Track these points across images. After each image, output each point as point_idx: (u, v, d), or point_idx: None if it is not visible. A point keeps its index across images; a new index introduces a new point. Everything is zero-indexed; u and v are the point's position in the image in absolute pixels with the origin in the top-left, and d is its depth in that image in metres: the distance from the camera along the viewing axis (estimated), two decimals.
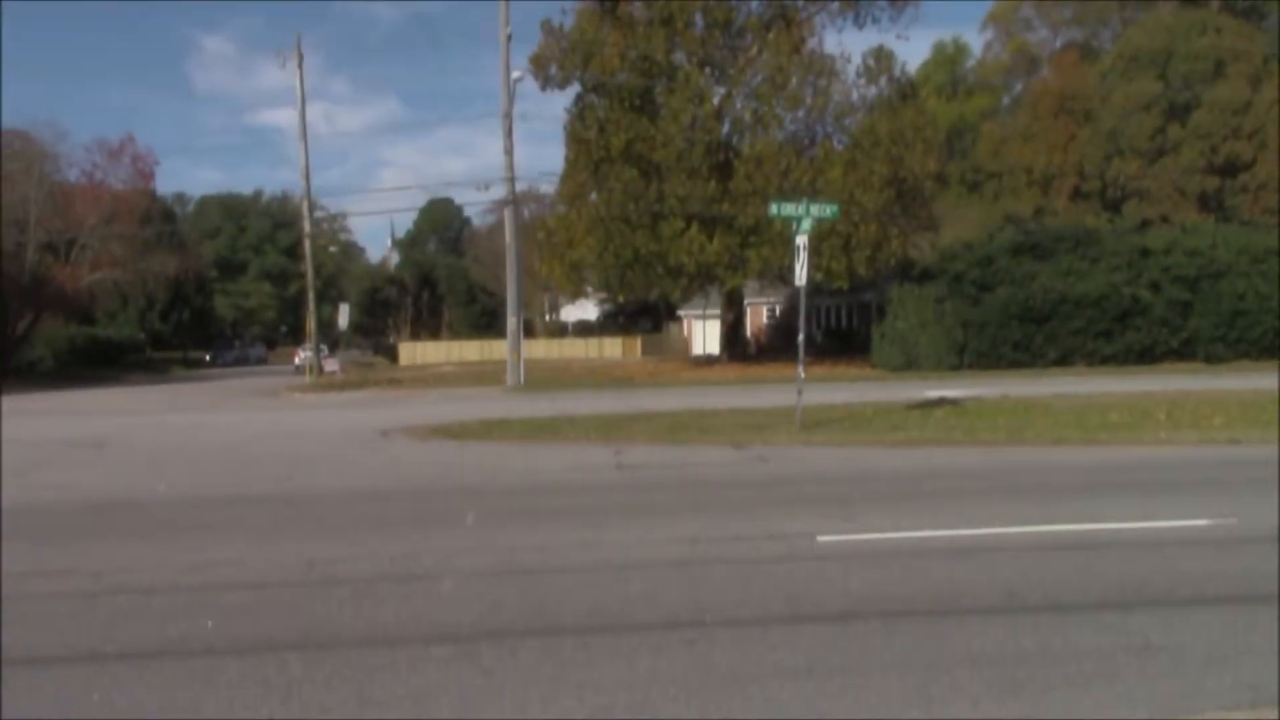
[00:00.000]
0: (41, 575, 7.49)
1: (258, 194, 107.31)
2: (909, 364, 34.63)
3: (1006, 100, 70.13)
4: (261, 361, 74.50)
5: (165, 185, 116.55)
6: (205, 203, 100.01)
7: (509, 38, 32.55)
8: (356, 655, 5.48)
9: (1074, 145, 55.77)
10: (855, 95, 37.25)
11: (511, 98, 32.39)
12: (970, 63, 73.35)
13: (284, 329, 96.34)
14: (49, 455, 15.59)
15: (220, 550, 8.18)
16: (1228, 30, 52.00)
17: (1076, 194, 56.49)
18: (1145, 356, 34.25)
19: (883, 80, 37.28)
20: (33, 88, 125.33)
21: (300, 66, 36.70)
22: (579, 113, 37.00)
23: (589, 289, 49.98)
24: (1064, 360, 34.19)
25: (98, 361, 55.32)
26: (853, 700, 4.73)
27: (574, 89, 37.22)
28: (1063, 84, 57.75)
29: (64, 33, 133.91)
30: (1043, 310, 34.20)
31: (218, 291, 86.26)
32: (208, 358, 70.27)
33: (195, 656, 5.52)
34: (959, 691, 4.80)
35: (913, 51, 72.12)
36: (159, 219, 59.04)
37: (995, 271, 35.80)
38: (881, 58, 37.15)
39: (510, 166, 32.39)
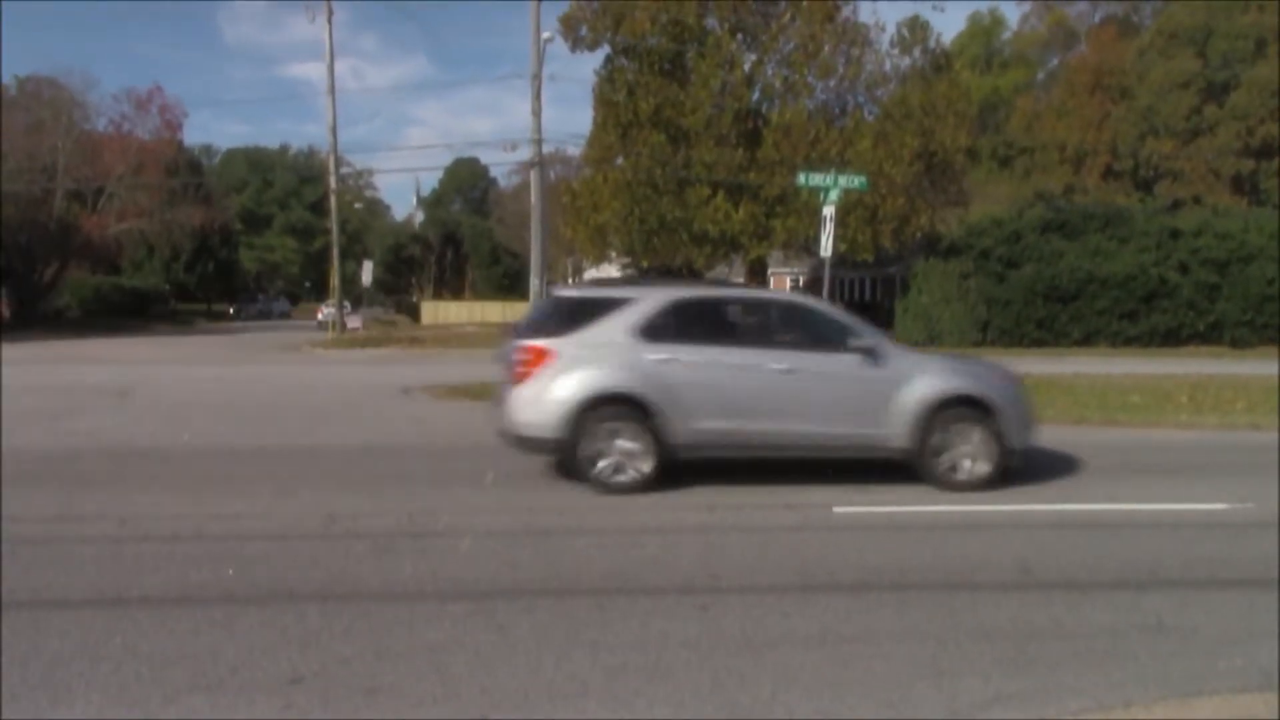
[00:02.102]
0: (70, 520, 7.63)
1: (284, 148, 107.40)
2: (931, 339, 34.46)
3: (1041, 75, 69.32)
4: (285, 316, 74.88)
5: (192, 137, 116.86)
6: (231, 155, 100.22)
7: None
8: (374, 608, 5.56)
9: (1108, 123, 55.13)
10: (888, 65, 36.90)
11: (540, 58, 32.05)
12: (1006, 35, 72.43)
13: (307, 284, 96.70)
14: (79, 402, 15.78)
15: (243, 501, 8.30)
16: (1270, 7, 51.05)
17: (1109, 172, 55.91)
18: (1170, 339, 33.98)
19: (916, 51, 36.92)
20: (63, 37, 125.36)
21: (330, 21, 36.58)
22: (608, 75, 36.72)
23: (613, 254, 49.78)
24: (1088, 340, 33.95)
25: (123, 311, 55.70)
26: (864, 669, 4.77)
27: (604, 51, 36.92)
28: (1100, 59, 57.02)
29: None
30: (1069, 289, 33.92)
31: (242, 245, 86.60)
32: (232, 311, 70.73)
33: (216, 604, 5.61)
34: (970, 664, 4.84)
35: (948, 22, 71.58)
36: (185, 170, 59.17)
37: (1022, 248, 35.50)
38: (916, 28, 36.84)
39: (537, 128, 32.13)
